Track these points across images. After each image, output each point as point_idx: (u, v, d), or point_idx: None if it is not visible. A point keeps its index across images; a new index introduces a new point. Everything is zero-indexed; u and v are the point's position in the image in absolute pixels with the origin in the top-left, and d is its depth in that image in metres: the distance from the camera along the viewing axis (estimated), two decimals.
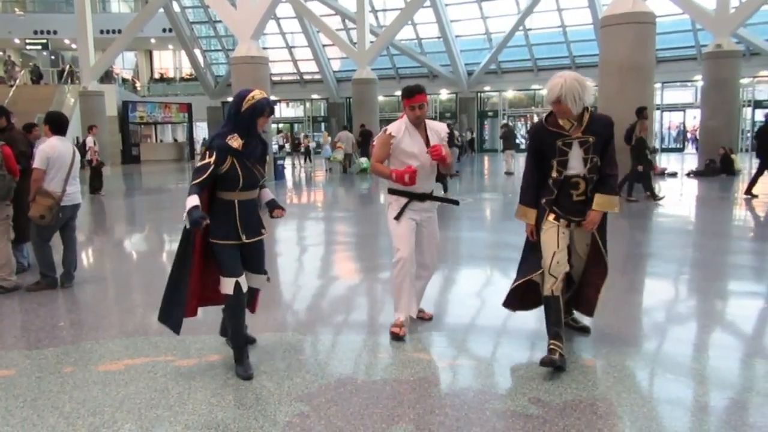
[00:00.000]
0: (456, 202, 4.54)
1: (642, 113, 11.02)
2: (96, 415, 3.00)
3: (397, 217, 4.01)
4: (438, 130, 4.12)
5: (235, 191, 3.41)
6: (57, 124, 5.57)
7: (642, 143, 10.89)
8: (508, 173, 17.86)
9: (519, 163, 19.53)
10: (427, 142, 3.99)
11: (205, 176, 3.28)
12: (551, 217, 3.58)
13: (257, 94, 3.41)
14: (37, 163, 5.34)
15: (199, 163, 3.33)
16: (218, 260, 3.47)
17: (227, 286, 3.43)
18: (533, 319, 4.17)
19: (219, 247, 3.44)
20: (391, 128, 4.02)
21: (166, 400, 3.14)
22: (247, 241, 3.48)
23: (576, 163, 3.49)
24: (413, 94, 3.93)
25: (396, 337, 3.98)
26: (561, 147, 3.48)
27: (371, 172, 4.14)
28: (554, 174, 3.54)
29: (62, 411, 3.05)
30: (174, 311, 3.49)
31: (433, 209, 4.17)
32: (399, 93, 29.48)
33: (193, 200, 3.22)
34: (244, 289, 3.50)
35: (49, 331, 4.41)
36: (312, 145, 27.60)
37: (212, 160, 3.30)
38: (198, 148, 35.60)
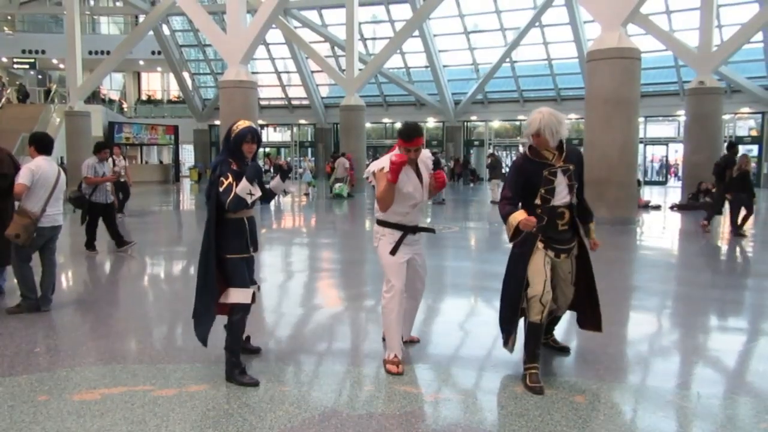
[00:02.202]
0: (433, 231, 4.56)
1: (734, 148, 11.14)
2: None
3: (393, 252, 3.95)
4: (425, 159, 4.07)
5: (242, 210, 3.73)
6: (42, 144, 5.52)
7: (747, 176, 10.89)
8: (495, 202, 17.94)
9: None
10: (419, 177, 3.97)
11: (233, 194, 3.59)
12: (540, 245, 3.74)
13: (241, 123, 3.78)
14: (21, 179, 5.23)
15: (222, 188, 3.62)
16: (231, 274, 3.76)
17: (246, 295, 3.76)
18: (519, 351, 4.11)
19: (234, 261, 3.76)
20: (386, 165, 3.84)
21: None
22: (252, 253, 3.87)
23: (562, 190, 3.72)
24: (412, 138, 3.80)
25: (394, 374, 3.86)
26: (547, 176, 3.70)
27: (379, 200, 3.90)
28: (541, 203, 3.72)
29: None
30: (203, 328, 3.78)
31: (421, 239, 4.20)
32: (387, 120, 29.80)
33: (242, 182, 3.60)
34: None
35: (24, 357, 4.27)
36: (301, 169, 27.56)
37: (231, 181, 3.63)
38: (184, 170, 35.49)
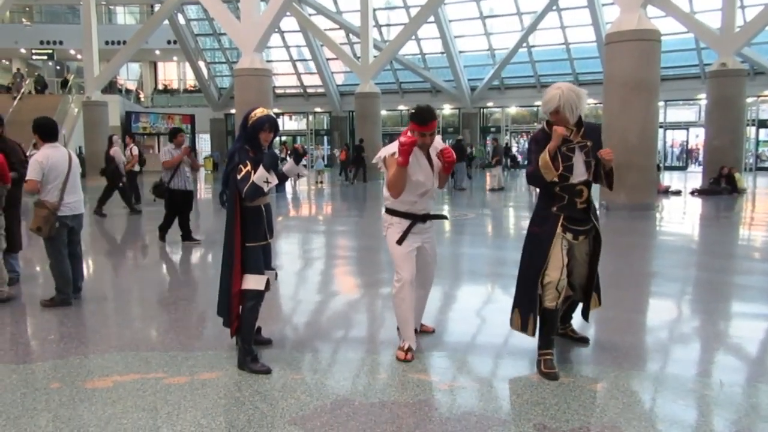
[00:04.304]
0: (444, 217, 4.36)
1: None
2: None
3: (400, 241, 3.82)
4: (436, 147, 3.88)
5: (259, 197, 3.68)
6: (46, 130, 5.21)
7: None
8: (494, 190, 17.84)
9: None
10: (430, 164, 3.81)
11: (250, 182, 3.57)
12: (559, 228, 3.62)
13: (259, 111, 3.72)
14: (30, 174, 5.02)
15: (240, 176, 3.60)
16: (248, 262, 3.72)
17: (260, 282, 3.70)
18: (535, 338, 4.03)
19: (251, 249, 3.72)
20: (397, 150, 3.68)
21: (154, 421, 3.00)
22: (270, 240, 3.87)
23: (580, 167, 3.60)
24: (427, 122, 3.65)
25: (402, 361, 3.81)
26: (566, 153, 3.58)
27: (390, 187, 3.76)
28: (559, 180, 3.59)
29: (45, 430, 2.91)
30: (227, 311, 3.81)
31: (432, 227, 4.03)
32: (402, 107, 29.62)
33: (259, 170, 3.56)
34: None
35: (38, 345, 4.30)
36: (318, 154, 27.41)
37: (249, 169, 3.59)
38: (200, 159, 35.66)
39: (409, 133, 3.70)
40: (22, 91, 28.39)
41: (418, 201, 3.81)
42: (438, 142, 3.88)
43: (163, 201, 8.66)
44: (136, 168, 13.56)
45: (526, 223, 3.90)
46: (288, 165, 3.92)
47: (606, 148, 3.66)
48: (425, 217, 3.89)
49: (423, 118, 3.63)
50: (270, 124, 3.70)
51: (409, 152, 3.60)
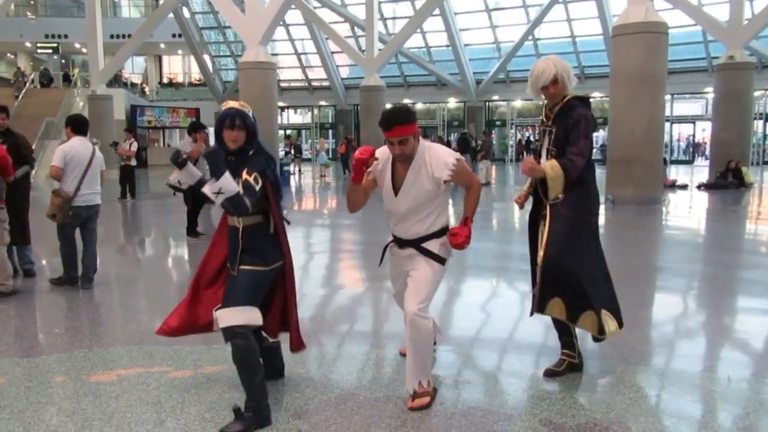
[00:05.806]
0: (442, 261, 3.22)
1: None
2: (83, 429, 2.86)
3: (380, 263, 3.46)
4: (434, 165, 3.01)
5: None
6: (77, 124, 5.72)
7: None
8: (485, 183, 17.73)
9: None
10: (394, 184, 3.10)
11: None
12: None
13: (225, 105, 2.99)
14: (54, 161, 5.45)
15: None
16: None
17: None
18: (542, 333, 4.02)
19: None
20: (378, 152, 3.06)
21: (158, 415, 2.99)
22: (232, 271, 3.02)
23: (544, 155, 3.43)
24: (390, 126, 2.90)
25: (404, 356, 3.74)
26: (539, 137, 3.54)
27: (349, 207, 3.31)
28: None
29: (49, 424, 2.91)
30: None
31: (423, 258, 3.16)
32: (407, 101, 29.54)
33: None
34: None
35: (43, 338, 4.30)
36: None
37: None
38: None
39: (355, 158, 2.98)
40: (25, 88, 28.35)
41: (390, 219, 3.24)
42: (439, 162, 3.02)
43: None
44: (133, 162, 14.06)
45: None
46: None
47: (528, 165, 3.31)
48: (401, 242, 3.21)
49: (385, 121, 2.92)
50: (231, 119, 2.88)
51: (359, 169, 2.95)
